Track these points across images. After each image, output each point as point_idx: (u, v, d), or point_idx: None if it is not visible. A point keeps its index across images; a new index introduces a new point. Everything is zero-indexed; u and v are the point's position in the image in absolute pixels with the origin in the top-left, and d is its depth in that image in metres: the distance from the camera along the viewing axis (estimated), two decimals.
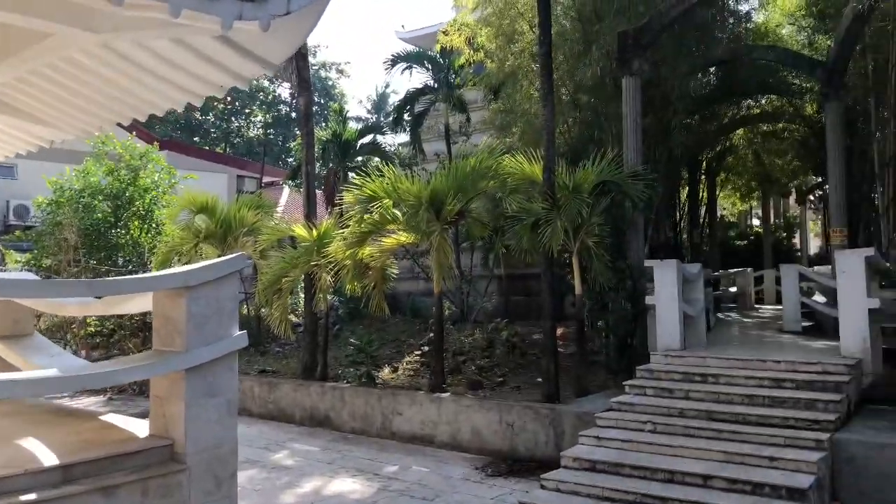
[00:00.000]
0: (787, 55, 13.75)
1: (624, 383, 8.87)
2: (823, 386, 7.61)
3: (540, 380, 10.02)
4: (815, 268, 14.89)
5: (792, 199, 29.05)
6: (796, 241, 29.41)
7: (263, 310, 13.58)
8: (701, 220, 20.24)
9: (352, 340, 12.41)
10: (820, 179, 23.61)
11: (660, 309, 9.53)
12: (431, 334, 11.84)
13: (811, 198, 28.14)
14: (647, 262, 9.96)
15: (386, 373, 12.08)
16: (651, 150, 12.28)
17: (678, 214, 17.85)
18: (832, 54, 12.52)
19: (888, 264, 8.65)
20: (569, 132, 13.63)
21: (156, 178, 17.89)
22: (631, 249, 10.92)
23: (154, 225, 17.37)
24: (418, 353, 13.21)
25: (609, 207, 10.23)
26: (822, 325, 12.75)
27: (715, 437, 7.18)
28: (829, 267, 14.24)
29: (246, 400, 12.51)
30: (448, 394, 10.15)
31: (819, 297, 13.57)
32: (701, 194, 19.96)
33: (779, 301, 19.14)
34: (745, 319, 15.59)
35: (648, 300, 9.78)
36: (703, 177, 19.86)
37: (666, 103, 12.75)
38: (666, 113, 12.83)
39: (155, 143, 19.34)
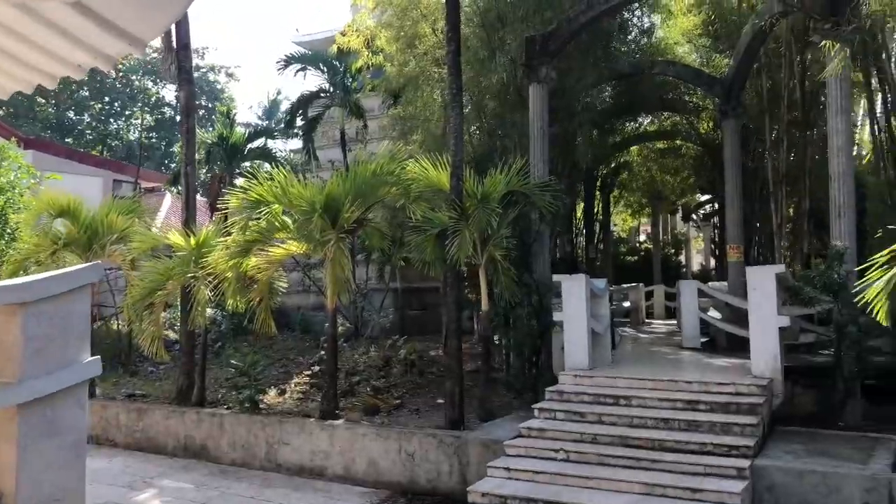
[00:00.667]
0: (688, 71, 13.92)
1: (532, 406, 8.29)
2: (738, 408, 7.31)
3: (440, 401, 9.32)
4: (710, 283, 15.08)
5: (678, 216, 30.10)
6: (682, 257, 30.47)
7: (135, 326, 12.16)
8: (595, 236, 20.37)
9: (232, 361, 11.24)
10: (707, 197, 24.52)
11: (568, 326, 9.06)
12: (323, 353, 10.90)
13: (694, 217, 29.30)
14: (556, 277, 9.49)
15: (272, 396, 11.00)
16: (555, 162, 11.95)
17: (574, 229, 17.79)
18: (730, 71, 12.70)
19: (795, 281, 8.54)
20: (471, 141, 13.12)
21: (11, 178, 15.94)
22: (537, 263, 10.47)
23: (8, 230, 15.43)
24: (308, 373, 12.21)
25: (516, 219, 9.71)
26: (717, 341, 12.82)
27: (632, 466, 6.70)
28: (724, 283, 14.46)
29: (110, 429, 11.10)
30: (341, 420, 9.24)
31: (714, 313, 13.68)
32: (596, 209, 20.09)
33: (669, 316, 19.55)
34: (642, 335, 15.57)
35: (556, 316, 9.30)
36: (598, 192, 20.01)
37: (570, 114, 12.48)
38: (570, 124, 12.56)
39: (13, 138, 17.33)
